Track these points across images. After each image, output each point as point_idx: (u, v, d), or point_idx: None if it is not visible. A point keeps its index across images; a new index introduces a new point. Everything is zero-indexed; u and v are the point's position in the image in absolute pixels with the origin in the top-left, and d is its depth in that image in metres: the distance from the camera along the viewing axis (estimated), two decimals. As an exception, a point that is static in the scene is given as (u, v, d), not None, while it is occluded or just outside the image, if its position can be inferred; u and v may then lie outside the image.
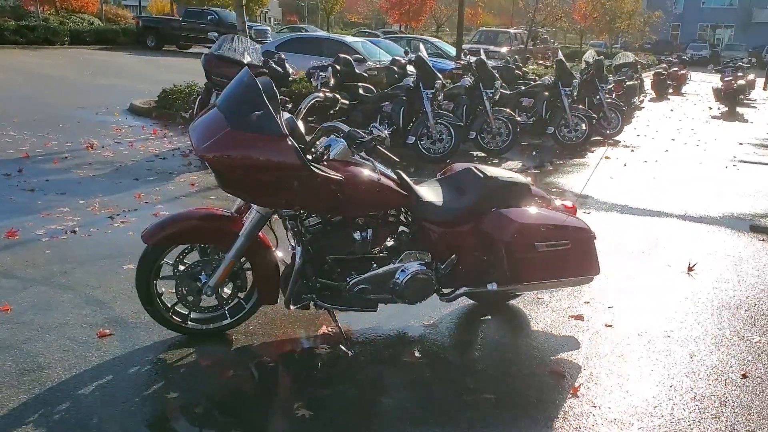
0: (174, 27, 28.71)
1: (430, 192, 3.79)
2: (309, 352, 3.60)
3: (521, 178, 3.94)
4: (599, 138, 11.41)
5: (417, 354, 3.62)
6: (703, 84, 25.38)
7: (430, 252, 3.75)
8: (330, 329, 3.82)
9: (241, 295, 3.70)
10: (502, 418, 3.01)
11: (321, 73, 9.77)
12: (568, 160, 9.73)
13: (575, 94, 10.71)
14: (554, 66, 11.31)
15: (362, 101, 9.46)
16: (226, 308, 3.70)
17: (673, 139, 12.19)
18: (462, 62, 11.98)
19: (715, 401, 3.21)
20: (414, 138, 8.87)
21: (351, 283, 3.59)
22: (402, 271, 3.65)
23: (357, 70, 10.24)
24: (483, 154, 9.66)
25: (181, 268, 3.58)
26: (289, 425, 2.93)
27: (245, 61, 8.40)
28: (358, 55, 13.84)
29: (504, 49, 21.54)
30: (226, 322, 3.71)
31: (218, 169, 3.18)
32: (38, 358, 3.37)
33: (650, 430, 2.95)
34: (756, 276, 4.96)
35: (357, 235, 3.58)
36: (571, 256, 3.78)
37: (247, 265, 3.63)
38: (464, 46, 22.04)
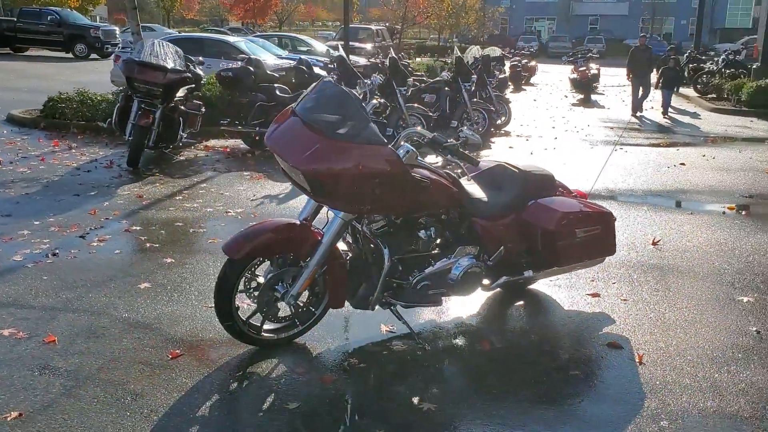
0: (7, 28, 26.46)
1: (474, 189, 4.04)
2: (389, 350, 3.74)
3: (547, 170, 4.30)
4: (492, 129, 12.06)
5: (486, 342, 3.86)
6: (543, 74, 27.29)
7: (479, 246, 4.01)
8: (389, 328, 3.96)
9: (313, 300, 3.75)
10: (597, 390, 3.34)
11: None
12: (479, 152, 10.29)
13: (473, 88, 11.18)
14: (453, 62, 11.68)
15: (281, 103, 9.45)
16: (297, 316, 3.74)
17: (553, 127, 13.18)
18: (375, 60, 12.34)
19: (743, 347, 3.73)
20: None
21: (415, 280, 3.77)
22: (457, 266, 3.88)
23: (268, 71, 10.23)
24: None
25: (260, 280, 3.58)
26: (421, 418, 3.07)
27: (169, 67, 8.15)
28: (243, 55, 13.63)
29: (369, 46, 22.02)
30: (297, 329, 3.75)
31: (316, 180, 3.24)
32: (128, 386, 3.27)
33: (720, 380, 3.39)
34: (706, 243, 5.66)
35: (422, 234, 3.77)
36: (600, 239, 4.21)
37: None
38: (329, 43, 22.33)
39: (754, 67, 17.15)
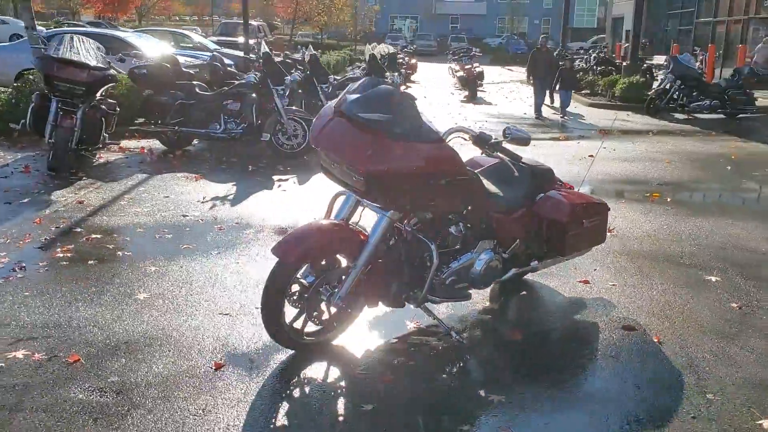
0: None
1: (488, 184, 4.17)
2: (428, 346, 3.78)
3: (546, 164, 4.50)
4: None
5: (516, 332, 4.00)
6: (419, 72, 27.97)
7: (495, 240, 4.14)
8: (416, 324, 4.01)
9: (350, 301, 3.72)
10: (633, 370, 3.57)
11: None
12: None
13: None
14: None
15: (201, 100, 9.15)
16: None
17: (456, 122, 13.60)
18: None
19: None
20: (269, 135, 8.85)
21: (444, 276, 3.84)
22: (479, 260, 3.99)
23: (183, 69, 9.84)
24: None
25: (305, 282, 3.51)
26: (494, 410, 3.15)
27: (92, 64, 7.66)
28: (137, 51, 12.98)
29: (252, 41, 21.57)
30: (336, 331, 3.71)
31: (376, 180, 3.23)
32: (187, 402, 3.11)
33: (734, 352, 3.72)
34: (657, 228, 6.13)
35: (453, 230, 3.85)
36: (598, 228, 4.47)
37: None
38: (211, 38, 21.71)
39: (624, 64, 18.53)
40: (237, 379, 3.33)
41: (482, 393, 3.28)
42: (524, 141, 3.67)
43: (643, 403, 3.23)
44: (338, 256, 3.55)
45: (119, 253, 5.07)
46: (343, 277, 3.56)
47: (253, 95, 9.03)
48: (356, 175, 3.29)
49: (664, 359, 3.68)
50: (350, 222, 3.63)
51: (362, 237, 3.52)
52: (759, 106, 15.47)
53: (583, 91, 19.42)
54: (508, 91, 21.42)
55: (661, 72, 17.93)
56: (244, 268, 4.84)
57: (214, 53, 11.11)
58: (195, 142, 9.74)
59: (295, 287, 3.52)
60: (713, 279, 4.92)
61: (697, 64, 19.26)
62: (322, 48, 26.89)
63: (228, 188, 7.25)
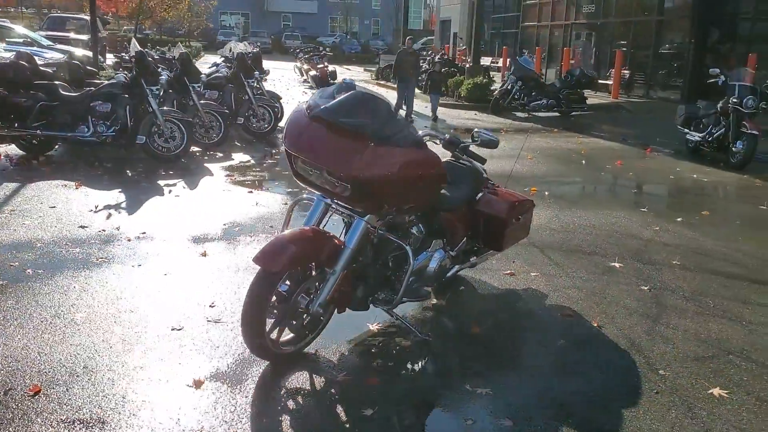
0: None
1: None
2: (399, 345, 3.85)
3: (477, 164, 4.70)
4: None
5: (471, 326, 4.16)
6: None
7: (444, 239, 4.30)
8: (377, 326, 4.06)
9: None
10: (579, 356, 3.87)
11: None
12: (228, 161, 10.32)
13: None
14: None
15: (66, 101, 8.52)
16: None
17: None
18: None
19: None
20: (144, 137, 8.42)
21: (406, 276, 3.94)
22: (433, 259, 4.14)
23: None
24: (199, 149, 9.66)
25: (281, 291, 3.45)
26: (478, 399, 3.29)
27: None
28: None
29: (86, 37, 20.22)
30: (309, 338, 3.69)
31: (363, 185, 3.25)
32: (169, 414, 2.97)
33: (668, 332, 4.14)
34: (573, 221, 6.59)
35: (414, 230, 3.96)
36: (526, 224, 4.77)
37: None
38: (39, 33, 20.09)
39: (467, 66, 19.50)
40: (222, 396, 3.21)
41: (468, 387, 3.40)
42: (493, 144, 3.84)
43: (610, 384, 3.52)
44: (313, 262, 3.51)
45: (28, 271, 4.64)
46: (318, 283, 3.53)
47: (125, 96, 8.53)
48: (339, 181, 3.29)
49: (609, 342, 4.02)
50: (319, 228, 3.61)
51: (337, 242, 3.52)
52: (589, 104, 16.98)
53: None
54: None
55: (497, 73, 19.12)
56: (176, 281, 4.63)
57: (69, 52, 10.30)
58: (57, 146, 9.03)
59: (272, 297, 3.45)
60: (617, 265, 5.40)
61: (437, 56, 20.78)
62: (152, 45, 25.64)
63: (116, 196, 6.83)
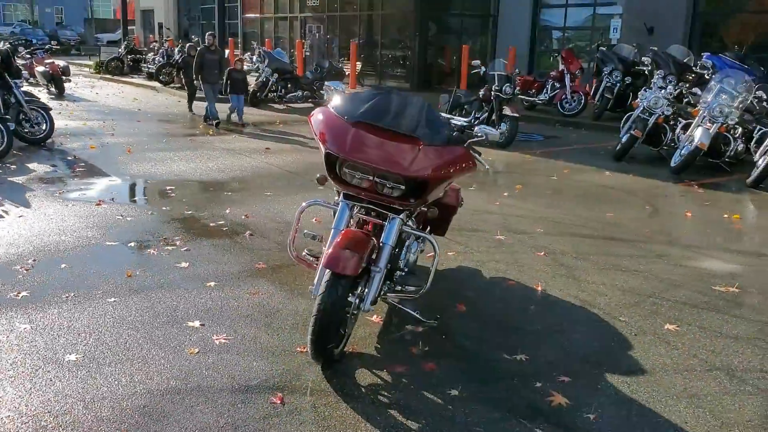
0: None
1: None
2: (413, 335, 4.10)
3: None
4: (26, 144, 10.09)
5: (458, 307, 4.52)
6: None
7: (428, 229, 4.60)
8: (378, 319, 4.27)
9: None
10: (542, 312, 4.52)
11: None
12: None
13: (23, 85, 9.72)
14: None
15: None
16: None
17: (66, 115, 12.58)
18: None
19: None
20: None
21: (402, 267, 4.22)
22: (412, 249, 4.45)
23: None
24: None
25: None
26: (520, 367, 3.76)
27: None
28: None
29: None
30: (347, 339, 3.79)
31: (420, 184, 3.47)
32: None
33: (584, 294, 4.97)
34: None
35: (411, 223, 4.22)
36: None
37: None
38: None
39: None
40: (295, 413, 3.23)
41: (505, 355, 3.83)
42: (494, 140, 4.23)
43: (594, 334, 4.21)
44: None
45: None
46: (359, 282, 3.64)
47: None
48: (392, 182, 3.45)
49: (563, 302, 4.72)
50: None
51: (375, 241, 3.66)
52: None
53: (171, 84, 19.50)
54: (91, 86, 20.17)
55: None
56: (113, 309, 4.30)
57: None
58: None
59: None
60: (502, 238, 6.17)
61: (255, 57, 20.93)
62: None
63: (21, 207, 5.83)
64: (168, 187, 7.74)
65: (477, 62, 12.55)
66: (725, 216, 7.34)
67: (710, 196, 8.37)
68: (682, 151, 9.70)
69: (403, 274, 4.12)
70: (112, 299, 4.41)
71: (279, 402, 3.24)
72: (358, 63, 21.36)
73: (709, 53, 12.86)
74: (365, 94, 3.67)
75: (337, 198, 3.93)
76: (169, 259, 5.22)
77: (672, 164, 9.78)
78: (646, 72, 12.52)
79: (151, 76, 21.14)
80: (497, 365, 3.73)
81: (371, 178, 3.48)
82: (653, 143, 10.68)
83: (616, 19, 17.71)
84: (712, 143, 9.45)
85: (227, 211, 6.73)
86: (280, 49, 19.41)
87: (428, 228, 4.68)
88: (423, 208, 3.91)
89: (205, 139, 11.64)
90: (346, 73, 19.33)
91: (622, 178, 9.23)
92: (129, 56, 23.46)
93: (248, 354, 3.72)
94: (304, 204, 3.99)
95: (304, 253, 4.15)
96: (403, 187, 3.48)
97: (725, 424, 3.18)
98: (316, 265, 4.14)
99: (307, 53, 22.65)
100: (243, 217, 6.54)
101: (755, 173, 8.92)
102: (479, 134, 4.13)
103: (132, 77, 22.84)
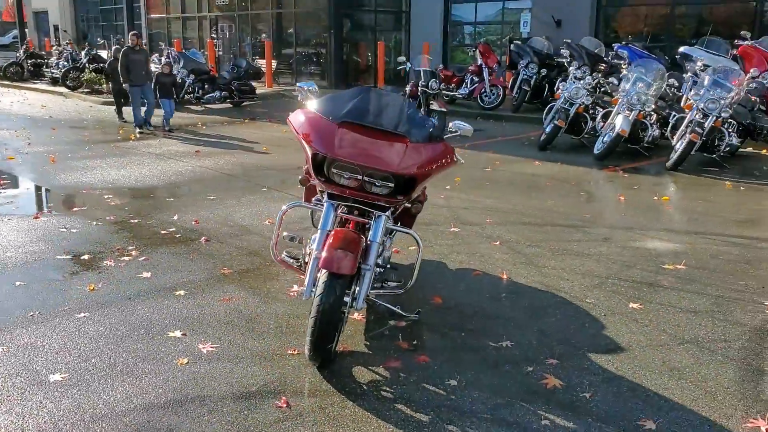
0: None
1: None
2: (399, 330, 4.16)
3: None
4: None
5: (432, 299, 4.60)
6: None
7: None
8: (361, 316, 4.31)
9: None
10: (507, 301, 4.69)
11: None
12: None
13: None
14: None
15: None
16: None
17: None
18: None
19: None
20: None
21: (382, 264, 4.28)
22: (388, 246, 4.52)
23: None
24: None
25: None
26: (501, 352, 3.89)
27: None
28: None
29: None
30: (338, 338, 3.80)
31: (409, 180, 3.53)
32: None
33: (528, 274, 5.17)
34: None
35: (391, 218, 4.28)
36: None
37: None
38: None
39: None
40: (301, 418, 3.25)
41: (491, 343, 3.95)
42: (467, 135, 4.31)
43: (569, 316, 4.40)
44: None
45: None
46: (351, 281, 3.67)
47: None
48: (381, 180, 3.50)
49: (530, 288, 4.89)
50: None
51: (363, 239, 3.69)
52: (258, 93, 17.74)
53: (81, 90, 18.77)
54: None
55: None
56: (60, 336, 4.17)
57: None
58: None
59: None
60: (457, 230, 6.31)
61: (163, 58, 20.37)
62: None
63: None
64: (106, 196, 7.47)
65: (402, 58, 12.72)
66: (655, 198, 7.76)
67: (636, 180, 8.82)
68: (605, 139, 10.17)
69: (383, 270, 4.17)
70: (82, 314, 4.25)
71: (285, 405, 3.23)
72: (273, 61, 21.16)
73: (619, 44, 13.49)
74: (346, 93, 3.70)
75: (321, 198, 3.92)
76: (129, 270, 5.07)
77: (595, 151, 10.24)
78: (565, 63, 12.99)
79: (56, 81, 20.24)
80: (486, 353, 3.84)
81: (360, 177, 3.51)
82: (575, 132, 11.14)
83: (526, 13, 18.29)
84: (632, 129, 9.96)
85: (175, 217, 6.57)
86: (195, 49, 18.95)
87: (398, 223, 4.74)
88: (407, 204, 3.97)
89: (130, 144, 11.28)
90: (263, 72, 19.14)
91: (551, 167, 9.59)
92: (29, 61, 22.34)
93: (240, 360, 3.68)
94: (284, 207, 3.98)
95: (283, 256, 4.13)
96: (391, 184, 3.53)
97: (708, 393, 3.40)
98: (297, 266, 4.15)
99: (220, 53, 22.23)
100: (193, 222, 6.40)
101: (674, 156, 9.46)
102: (453, 129, 4.23)
103: (34, 83, 21.81)
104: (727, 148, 9.72)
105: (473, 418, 3.17)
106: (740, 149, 10.36)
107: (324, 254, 3.38)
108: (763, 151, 10.74)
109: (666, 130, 10.59)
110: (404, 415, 3.18)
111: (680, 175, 9.13)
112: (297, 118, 3.72)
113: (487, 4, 19.94)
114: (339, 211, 3.82)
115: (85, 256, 5.38)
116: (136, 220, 6.47)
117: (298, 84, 4.19)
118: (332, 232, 3.56)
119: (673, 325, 4.22)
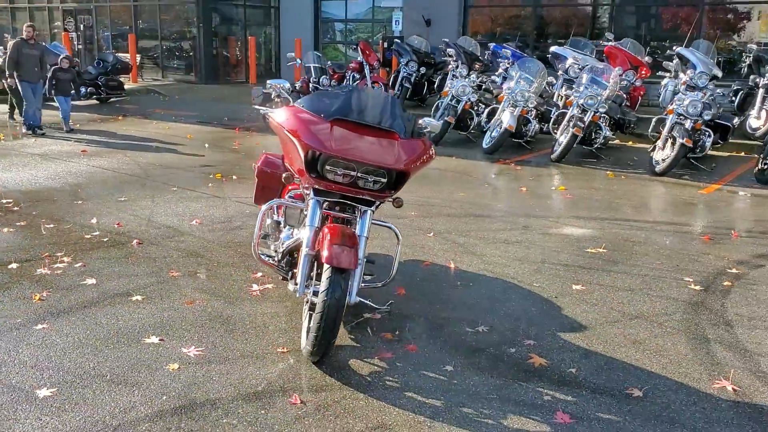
0: None
1: None
2: (375, 321, 4.26)
3: None
4: None
5: (397, 290, 4.70)
6: None
7: None
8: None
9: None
10: (482, 288, 4.95)
11: None
12: None
13: None
14: None
15: None
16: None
17: None
18: None
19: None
20: None
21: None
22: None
23: None
24: None
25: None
26: (475, 337, 4.13)
27: None
28: None
29: None
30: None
31: (400, 174, 3.65)
32: None
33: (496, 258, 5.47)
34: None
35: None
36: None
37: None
38: None
39: None
40: (318, 413, 3.31)
41: (468, 329, 4.16)
42: (435, 131, 4.45)
43: (522, 301, 4.70)
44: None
45: None
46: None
47: None
48: (374, 176, 3.59)
49: (478, 276, 5.16)
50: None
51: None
52: (126, 89, 16.97)
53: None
54: None
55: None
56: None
57: None
58: None
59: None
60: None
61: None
62: None
63: None
64: (4, 200, 6.93)
65: (291, 54, 12.68)
66: (553, 188, 8.34)
67: (529, 172, 9.41)
68: (493, 134, 10.73)
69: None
70: (40, 326, 4.00)
71: (299, 402, 3.25)
72: (137, 56, 20.26)
73: (495, 44, 14.22)
74: (332, 92, 3.76)
75: (304, 195, 3.94)
76: (69, 278, 4.79)
77: (484, 146, 10.78)
78: (450, 61, 13.47)
79: None
80: (468, 338, 4.04)
81: (354, 173, 3.58)
82: (461, 127, 11.64)
83: (398, 12, 18.75)
84: (516, 125, 10.59)
85: (94, 220, 6.24)
86: (57, 42, 17.70)
87: None
88: (389, 200, 4.07)
89: (3, 144, 10.45)
90: (131, 67, 18.28)
91: (447, 161, 9.98)
92: None
93: (232, 362, 3.64)
94: (264, 206, 3.97)
95: (259, 253, 4.12)
96: (384, 180, 3.62)
97: (674, 361, 3.80)
98: (275, 264, 4.15)
99: (79, 47, 20.94)
100: (116, 225, 6.12)
101: (558, 149, 10.17)
102: (424, 126, 4.38)
103: None
104: (602, 141, 10.58)
105: (482, 399, 3.35)
106: (610, 141, 11.29)
107: (325, 251, 3.42)
108: (629, 143, 11.76)
109: (545, 125, 11.33)
110: (417, 401, 3.30)
111: (565, 166, 9.83)
112: (283, 115, 3.72)
113: (357, 2, 20.21)
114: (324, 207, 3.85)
115: (13, 265, 5.01)
116: (51, 225, 6.08)
117: (268, 82, 4.17)
118: (325, 229, 3.60)
119: (618, 303, 4.64)
